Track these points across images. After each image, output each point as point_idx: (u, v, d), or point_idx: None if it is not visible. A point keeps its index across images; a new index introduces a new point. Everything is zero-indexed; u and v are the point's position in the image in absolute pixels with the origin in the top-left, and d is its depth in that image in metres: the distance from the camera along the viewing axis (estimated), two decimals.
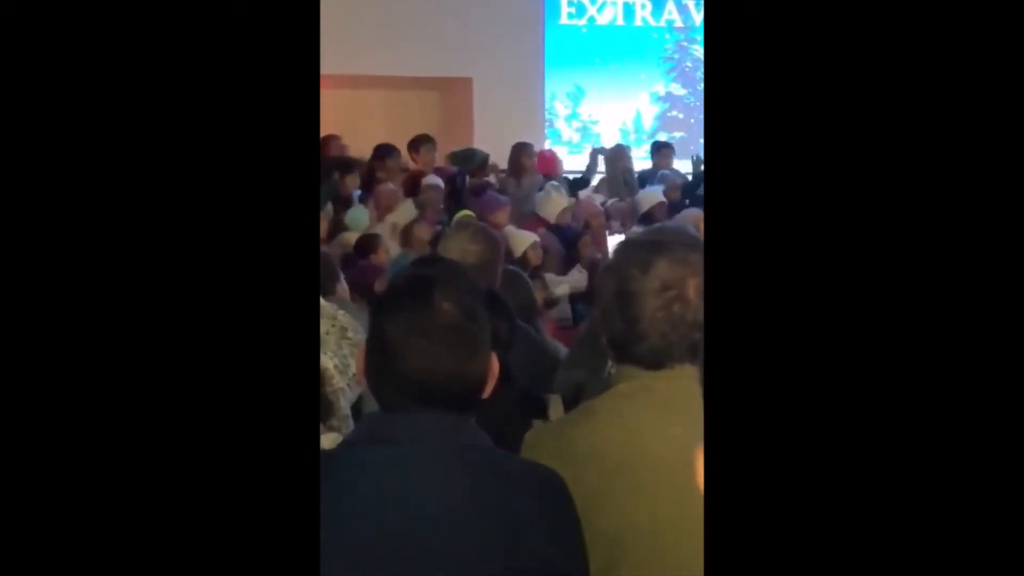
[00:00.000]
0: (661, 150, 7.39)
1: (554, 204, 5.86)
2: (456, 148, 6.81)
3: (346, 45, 7.72)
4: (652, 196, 5.97)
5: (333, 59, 7.67)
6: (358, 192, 5.52)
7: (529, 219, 5.73)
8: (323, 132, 5.96)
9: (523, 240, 4.96)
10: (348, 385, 2.29)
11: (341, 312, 2.50)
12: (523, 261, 4.71)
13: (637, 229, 5.17)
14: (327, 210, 5.22)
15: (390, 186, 5.64)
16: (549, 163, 6.98)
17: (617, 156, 7.05)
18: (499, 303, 2.58)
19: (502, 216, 5.17)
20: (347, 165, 5.64)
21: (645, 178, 6.98)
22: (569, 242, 5.52)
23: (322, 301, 2.52)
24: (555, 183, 6.27)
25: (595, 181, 7.18)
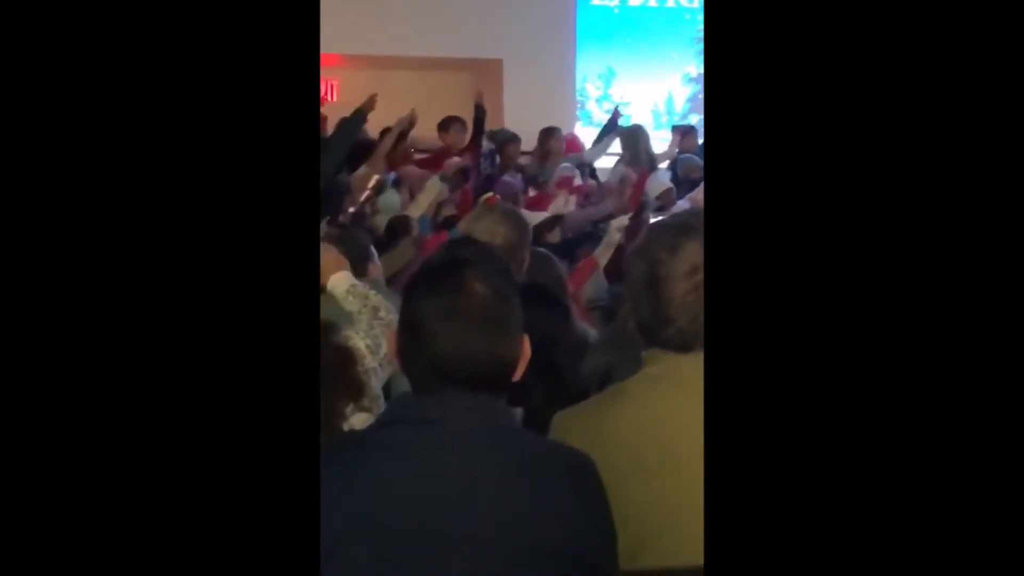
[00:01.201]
0: (686, 134, 7.35)
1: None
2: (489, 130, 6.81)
3: (376, 26, 7.73)
4: (660, 184, 5.93)
5: (363, 40, 7.71)
6: (392, 176, 5.51)
7: (536, 200, 5.70)
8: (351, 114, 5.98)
9: (538, 219, 4.95)
10: (380, 365, 2.31)
11: (373, 292, 2.52)
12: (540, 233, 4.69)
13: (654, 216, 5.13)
14: (359, 174, 5.19)
15: (419, 170, 5.66)
16: (572, 147, 6.96)
17: (636, 135, 7.01)
18: (552, 299, 2.59)
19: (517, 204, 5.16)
20: (367, 147, 5.63)
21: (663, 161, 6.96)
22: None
23: (355, 281, 2.54)
24: (567, 165, 6.26)
25: (612, 163, 7.14)
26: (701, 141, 7.36)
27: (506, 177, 5.93)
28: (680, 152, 7.03)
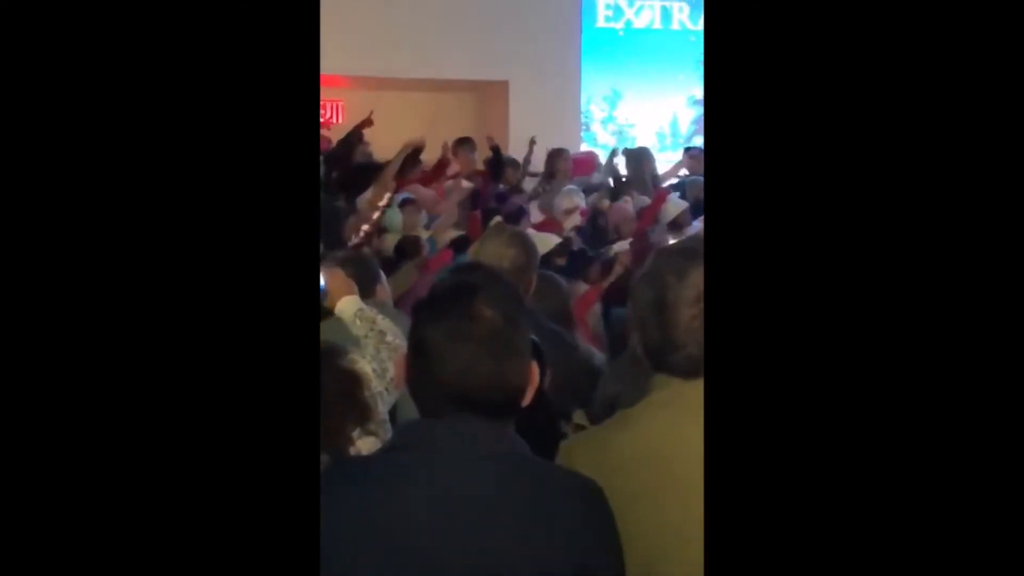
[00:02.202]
0: (694, 156, 7.37)
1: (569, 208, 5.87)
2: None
3: (383, 48, 7.77)
4: (677, 205, 5.94)
5: (370, 62, 7.75)
6: (404, 196, 5.55)
7: (544, 224, 5.71)
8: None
9: (547, 241, 4.95)
10: (386, 389, 2.31)
11: (380, 316, 2.52)
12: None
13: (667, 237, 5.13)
14: (362, 204, 5.23)
15: (430, 191, 5.69)
16: (586, 166, 6.98)
17: (641, 158, 7.02)
18: (557, 331, 2.57)
19: (523, 226, 5.16)
20: (373, 169, 5.67)
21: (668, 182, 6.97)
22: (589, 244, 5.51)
23: (362, 305, 2.54)
24: (573, 187, 6.27)
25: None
26: None
27: (508, 200, 5.96)
28: (689, 174, 7.04)
